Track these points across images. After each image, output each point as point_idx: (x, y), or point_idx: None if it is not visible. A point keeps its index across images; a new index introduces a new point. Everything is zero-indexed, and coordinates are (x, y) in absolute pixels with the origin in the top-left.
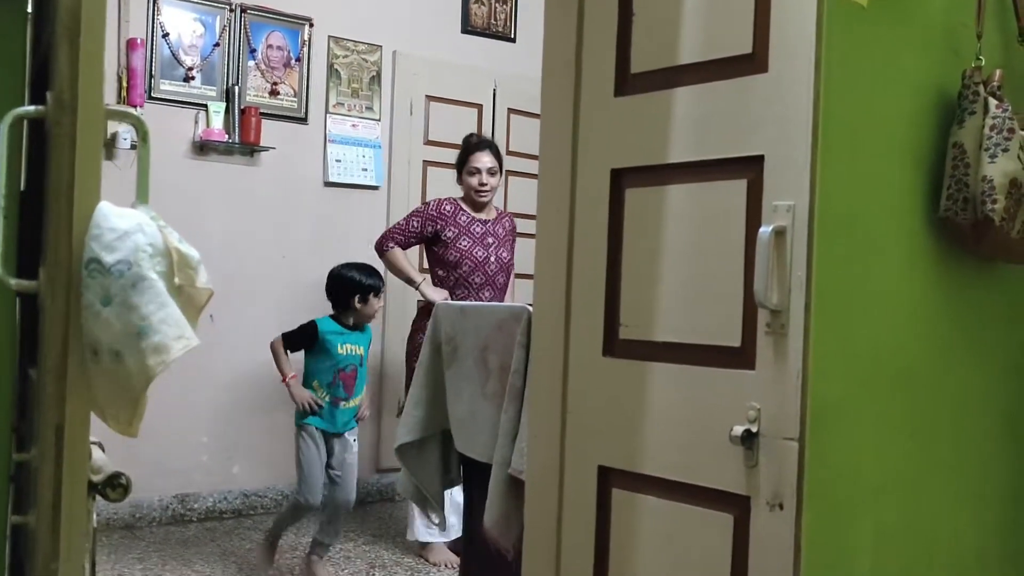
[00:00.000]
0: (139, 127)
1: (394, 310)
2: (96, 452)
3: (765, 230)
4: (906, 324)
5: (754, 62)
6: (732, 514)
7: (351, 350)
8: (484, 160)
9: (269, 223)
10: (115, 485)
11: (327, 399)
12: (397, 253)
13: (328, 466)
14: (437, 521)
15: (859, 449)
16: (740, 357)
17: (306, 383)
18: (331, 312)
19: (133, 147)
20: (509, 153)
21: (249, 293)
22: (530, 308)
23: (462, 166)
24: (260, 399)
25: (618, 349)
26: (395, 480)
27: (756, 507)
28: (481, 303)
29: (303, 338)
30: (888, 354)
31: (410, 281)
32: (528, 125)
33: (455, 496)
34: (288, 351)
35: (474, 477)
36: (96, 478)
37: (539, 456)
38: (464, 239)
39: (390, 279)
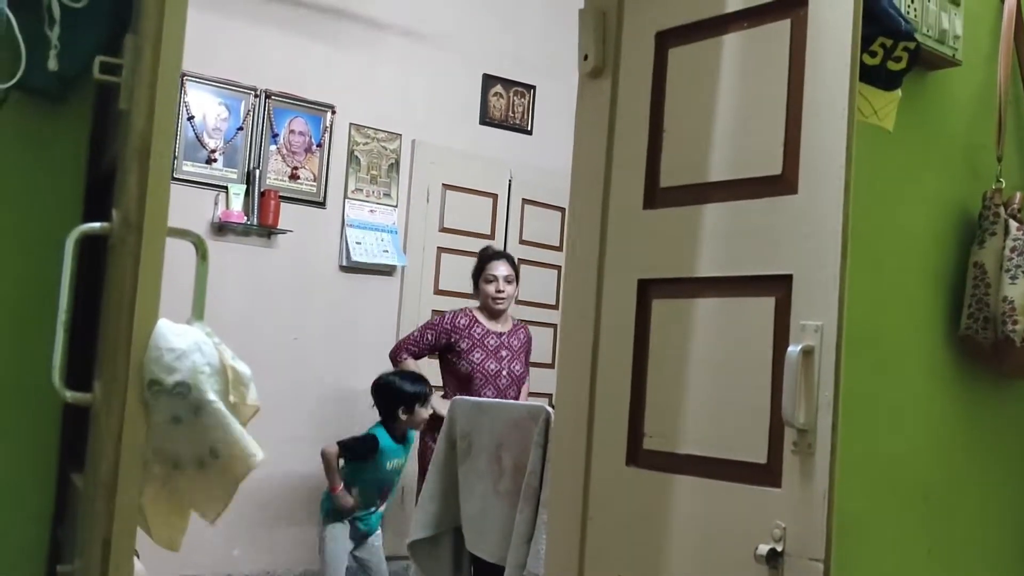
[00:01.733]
0: (199, 246)
1: None
2: (136, 564)
3: (793, 349)
4: (927, 440)
5: (784, 183)
6: None
7: (396, 465)
8: (501, 269)
9: (283, 305)
10: None
11: (362, 507)
12: (410, 365)
13: (354, 555)
14: None
15: (880, 566)
16: (766, 474)
17: (347, 485)
18: (379, 420)
19: None
20: (522, 242)
21: (260, 374)
22: (548, 408)
23: (479, 275)
24: (264, 482)
25: (642, 459)
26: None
27: None
28: (497, 400)
29: (363, 451)
30: (909, 470)
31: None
32: (542, 215)
33: None
34: (341, 459)
35: None
36: None
37: (558, 563)
38: (477, 351)
39: None
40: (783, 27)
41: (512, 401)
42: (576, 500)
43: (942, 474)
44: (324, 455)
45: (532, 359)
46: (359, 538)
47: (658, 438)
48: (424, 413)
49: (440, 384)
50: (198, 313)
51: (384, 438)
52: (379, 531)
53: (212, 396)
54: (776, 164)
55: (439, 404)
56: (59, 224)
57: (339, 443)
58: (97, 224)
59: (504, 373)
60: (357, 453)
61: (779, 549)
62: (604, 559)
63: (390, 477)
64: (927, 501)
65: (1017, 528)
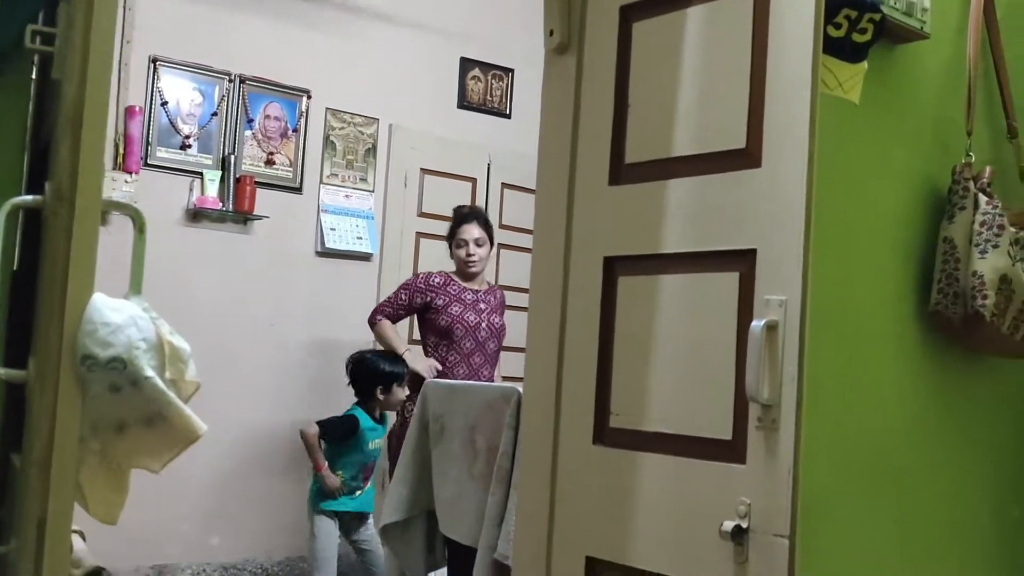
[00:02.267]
0: (136, 218)
1: None
2: (77, 542)
3: (757, 324)
4: (896, 417)
5: (747, 157)
6: None
7: (377, 444)
8: (472, 231)
9: (260, 291)
10: None
11: (347, 488)
12: (385, 325)
13: (352, 542)
14: None
15: (848, 543)
16: (731, 451)
17: (330, 469)
18: (356, 400)
19: None
20: (502, 227)
21: (237, 361)
22: (520, 389)
23: (452, 238)
24: (242, 469)
25: (608, 437)
26: None
27: None
28: (470, 383)
29: (343, 432)
30: (877, 447)
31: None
32: (521, 199)
33: None
34: (321, 440)
35: (458, 560)
36: (76, 573)
37: (526, 544)
38: (455, 305)
39: None
40: None
41: (485, 383)
42: (544, 480)
43: (912, 450)
44: (304, 436)
45: (510, 344)
46: (356, 521)
47: (624, 416)
48: (401, 394)
49: (420, 343)
50: (135, 287)
51: (364, 418)
52: (371, 520)
53: (149, 372)
54: (740, 138)
55: (414, 362)
56: None
57: (318, 423)
58: (30, 197)
59: (484, 325)
60: (337, 433)
61: (744, 525)
62: (572, 538)
63: (372, 456)
64: (896, 477)
65: (989, 503)
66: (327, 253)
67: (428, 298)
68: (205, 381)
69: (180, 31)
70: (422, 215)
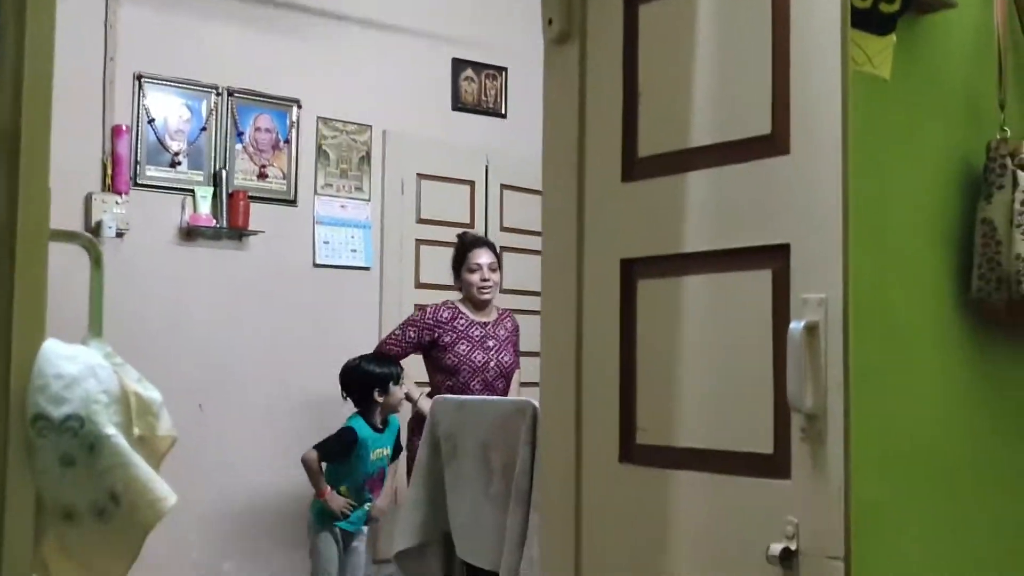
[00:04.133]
0: (91, 250)
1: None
2: None
3: (796, 326)
4: (944, 416)
5: (774, 143)
6: None
7: (380, 454)
8: (484, 257)
9: (258, 308)
10: None
11: (355, 504)
12: None
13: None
14: None
15: (903, 557)
16: (773, 465)
17: (331, 486)
18: (355, 410)
19: (119, 235)
20: (503, 229)
21: (237, 380)
22: (534, 402)
23: (460, 265)
24: (251, 491)
25: (636, 455)
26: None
27: None
28: (481, 397)
29: (342, 448)
30: (928, 450)
31: (407, 397)
32: (521, 200)
33: None
34: (323, 462)
35: None
36: None
37: (552, 571)
38: (463, 343)
39: None
40: None
41: (497, 397)
42: (568, 502)
43: (963, 449)
44: (305, 462)
45: (525, 349)
46: (345, 540)
47: (652, 431)
48: (399, 393)
49: (427, 382)
50: (95, 330)
51: (362, 428)
52: (364, 532)
53: (110, 430)
54: (764, 123)
55: (425, 404)
56: None
57: (316, 447)
58: None
59: (492, 364)
60: (336, 451)
61: (793, 547)
62: (602, 566)
63: (376, 467)
64: (949, 479)
65: None
66: (324, 265)
67: (436, 334)
68: (206, 402)
69: (164, 46)
70: (421, 221)
